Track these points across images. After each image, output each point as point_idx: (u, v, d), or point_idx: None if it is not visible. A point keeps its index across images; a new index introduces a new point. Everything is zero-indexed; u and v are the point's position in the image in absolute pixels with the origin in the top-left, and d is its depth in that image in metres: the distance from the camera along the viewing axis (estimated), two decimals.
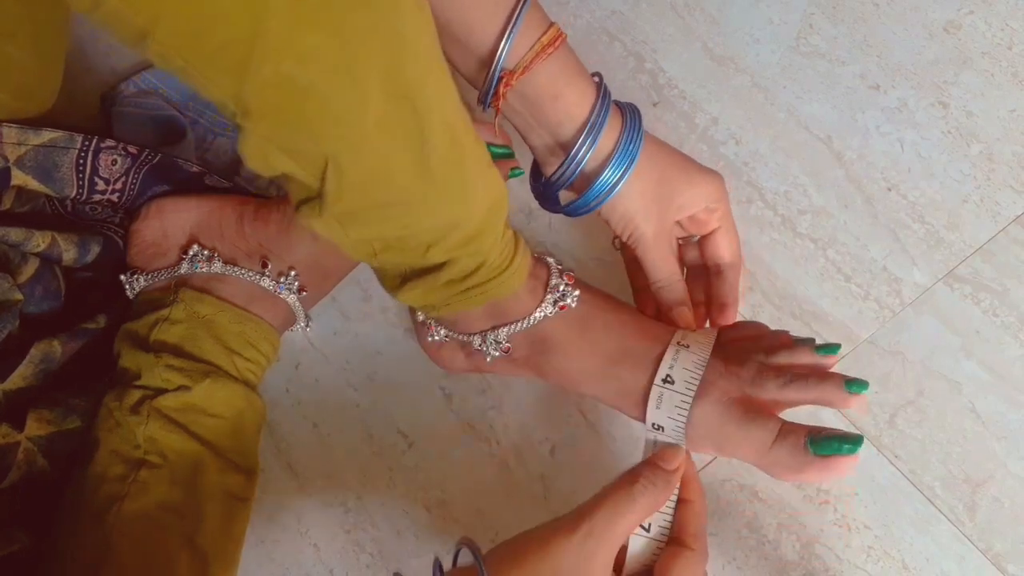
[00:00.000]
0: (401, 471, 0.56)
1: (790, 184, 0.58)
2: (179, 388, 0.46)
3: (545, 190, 0.50)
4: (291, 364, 0.59)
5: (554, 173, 0.48)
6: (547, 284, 0.48)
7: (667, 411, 0.44)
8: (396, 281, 0.45)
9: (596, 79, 0.47)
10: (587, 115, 0.45)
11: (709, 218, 0.50)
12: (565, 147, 0.47)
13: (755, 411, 0.43)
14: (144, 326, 0.49)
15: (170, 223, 0.52)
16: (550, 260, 0.49)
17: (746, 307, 0.56)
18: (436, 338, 0.51)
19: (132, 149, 0.50)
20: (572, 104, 0.45)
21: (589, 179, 0.47)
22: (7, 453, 0.43)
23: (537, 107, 0.45)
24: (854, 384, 0.43)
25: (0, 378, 0.44)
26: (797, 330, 0.54)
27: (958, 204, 0.56)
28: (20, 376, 0.45)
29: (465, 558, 0.42)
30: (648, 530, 0.41)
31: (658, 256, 0.49)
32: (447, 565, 0.42)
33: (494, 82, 0.44)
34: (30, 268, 0.47)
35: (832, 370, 0.45)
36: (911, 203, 0.56)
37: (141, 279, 0.51)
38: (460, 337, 0.50)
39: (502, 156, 0.56)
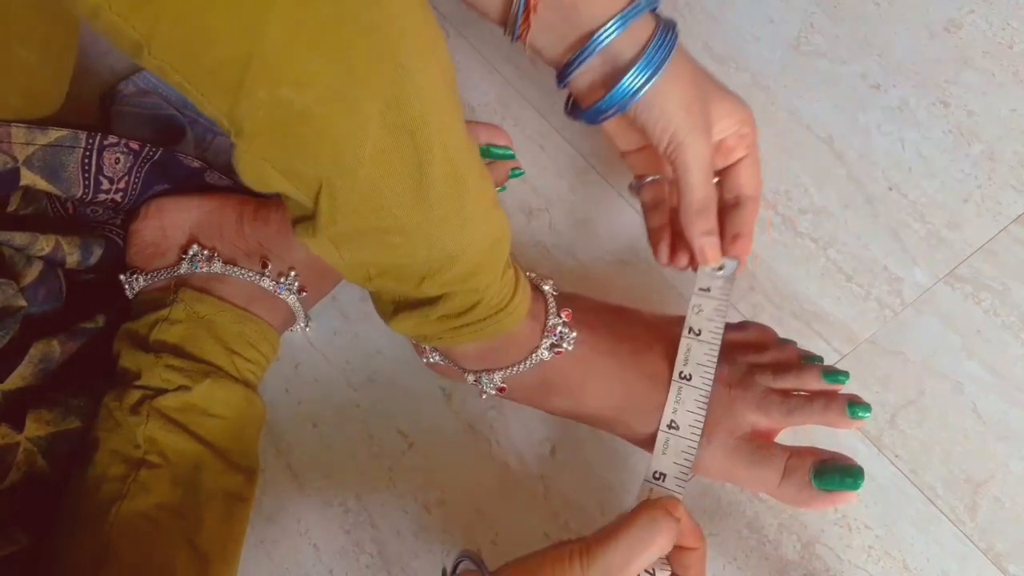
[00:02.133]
0: (401, 471, 0.55)
1: (791, 183, 0.58)
2: (179, 388, 0.46)
3: (561, 77, 0.47)
4: (291, 364, 0.59)
5: (576, 55, 0.45)
6: (544, 325, 0.46)
7: (673, 456, 0.45)
8: (389, 308, 0.44)
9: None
10: (621, 7, 0.43)
11: (738, 144, 0.48)
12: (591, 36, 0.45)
13: (760, 448, 0.44)
14: (144, 326, 0.49)
15: (170, 223, 0.52)
16: (547, 288, 0.48)
17: (747, 307, 0.56)
18: (432, 360, 0.50)
19: (134, 145, 0.50)
20: (603, 1, 0.43)
21: (623, 70, 0.44)
22: (6, 453, 0.43)
23: (569, 6, 0.43)
24: (858, 409, 0.44)
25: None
26: (798, 330, 0.54)
27: (959, 203, 0.56)
28: (19, 376, 0.45)
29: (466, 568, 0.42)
30: (653, 574, 0.41)
31: (701, 169, 0.46)
32: (449, 571, 0.42)
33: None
34: (34, 271, 0.47)
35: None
36: (912, 202, 0.56)
37: (141, 279, 0.51)
38: (456, 368, 0.49)
39: (502, 157, 0.56)
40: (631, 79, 0.44)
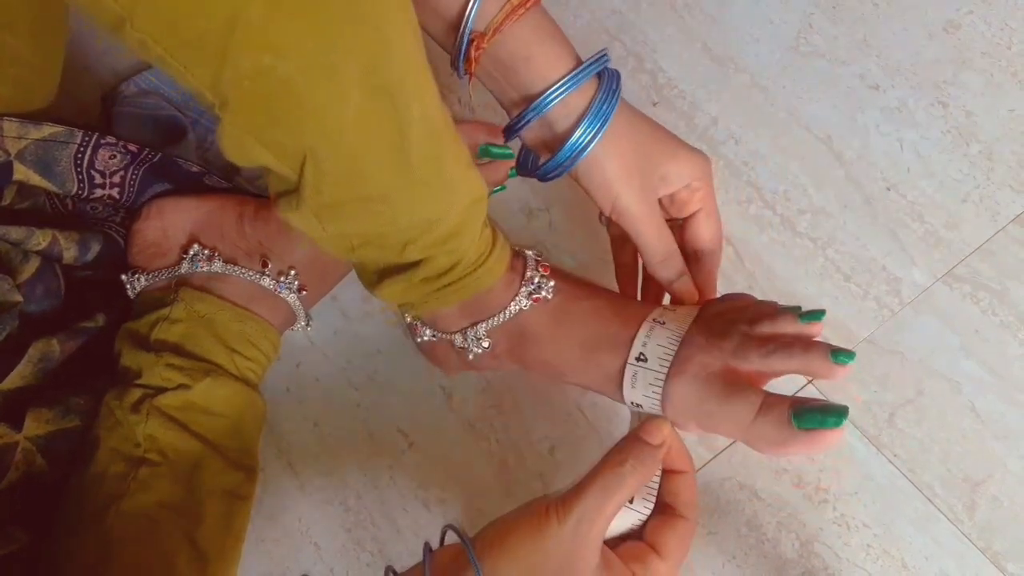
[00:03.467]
0: (401, 470, 0.56)
1: (789, 184, 0.58)
2: (179, 387, 0.47)
3: (507, 137, 0.48)
4: (291, 363, 0.59)
5: (517, 117, 0.46)
6: (523, 276, 0.47)
7: (642, 389, 0.43)
8: (373, 278, 0.45)
9: (604, 53, 0.46)
10: (560, 76, 0.44)
11: (691, 198, 0.48)
12: (532, 101, 0.45)
13: (736, 384, 0.41)
14: (145, 325, 0.49)
15: (170, 223, 0.52)
16: (529, 253, 0.49)
17: None
18: (424, 338, 0.51)
19: (132, 147, 0.51)
20: (544, 66, 0.44)
21: (562, 139, 0.45)
22: (5, 453, 0.43)
23: (509, 69, 0.44)
24: (840, 354, 0.41)
25: None
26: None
27: (957, 203, 0.56)
28: (19, 375, 0.45)
29: (451, 541, 0.42)
30: (631, 502, 0.41)
31: (649, 230, 0.47)
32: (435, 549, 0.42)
33: (464, 45, 0.43)
34: (31, 267, 0.47)
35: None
36: (910, 203, 0.56)
37: (142, 279, 0.51)
38: (443, 336, 0.50)
39: (501, 156, 0.56)
40: (567, 148, 0.45)
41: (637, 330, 0.45)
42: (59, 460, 0.46)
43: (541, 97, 0.44)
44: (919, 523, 0.50)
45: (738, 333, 0.43)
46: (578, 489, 0.39)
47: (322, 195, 0.36)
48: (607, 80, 0.45)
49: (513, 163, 0.56)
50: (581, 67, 0.44)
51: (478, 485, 0.55)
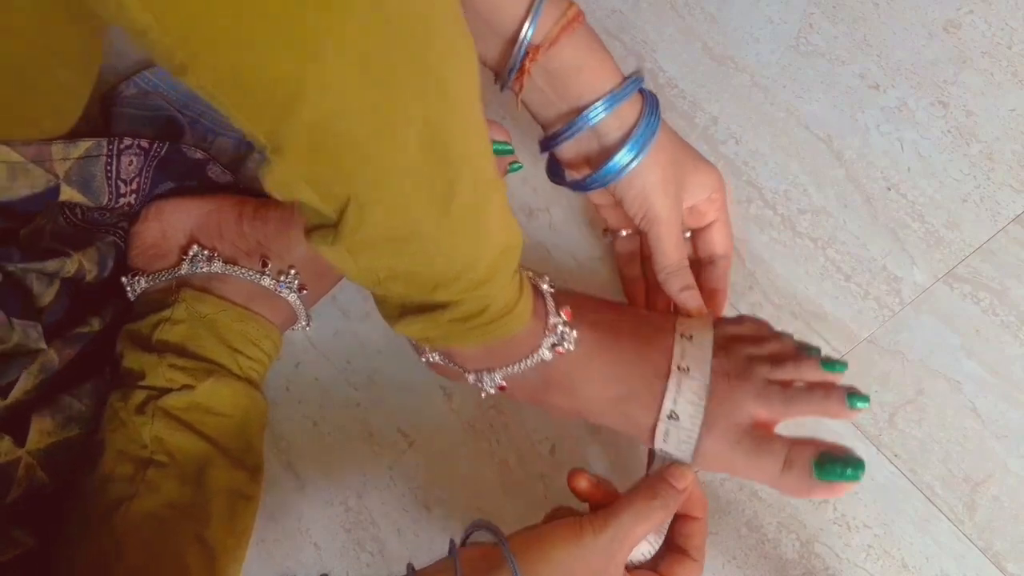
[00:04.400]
0: (401, 470, 0.56)
1: (790, 183, 0.58)
2: (183, 388, 0.47)
3: (549, 145, 0.50)
4: (291, 363, 0.59)
5: (564, 127, 0.47)
6: (545, 323, 0.47)
7: (674, 445, 0.45)
8: (395, 311, 0.44)
9: (636, 72, 0.48)
10: (610, 88, 0.46)
11: (709, 208, 0.51)
12: (581, 112, 0.47)
13: (763, 440, 0.44)
14: (146, 327, 0.49)
15: (169, 224, 0.52)
16: (545, 287, 0.48)
17: (746, 306, 0.56)
18: (433, 359, 0.50)
19: (144, 143, 0.51)
20: (596, 77, 0.46)
21: (609, 152, 0.47)
22: (9, 470, 0.43)
23: (561, 80, 0.46)
24: (856, 399, 0.44)
25: (2, 396, 0.44)
26: (797, 330, 0.55)
27: (958, 203, 0.56)
28: (21, 390, 0.45)
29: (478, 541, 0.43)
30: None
31: (672, 239, 0.49)
32: (458, 547, 0.43)
33: (520, 57, 0.45)
34: (53, 291, 0.46)
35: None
36: (911, 202, 0.56)
37: (142, 281, 0.51)
38: (455, 368, 0.49)
39: (501, 152, 0.56)
40: (616, 161, 0.47)
41: (665, 383, 0.46)
42: (59, 471, 0.46)
43: (591, 107, 0.46)
44: (920, 523, 0.50)
45: (760, 378, 0.45)
46: (612, 510, 0.42)
47: (359, 234, 0.36)
48: (649, 98, 0.48)
49: (514, 158, 0.56)
50: (628, 81, 0.46)
51: (479, 485, 0.55)
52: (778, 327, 0.51)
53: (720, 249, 0.52)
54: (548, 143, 0.49)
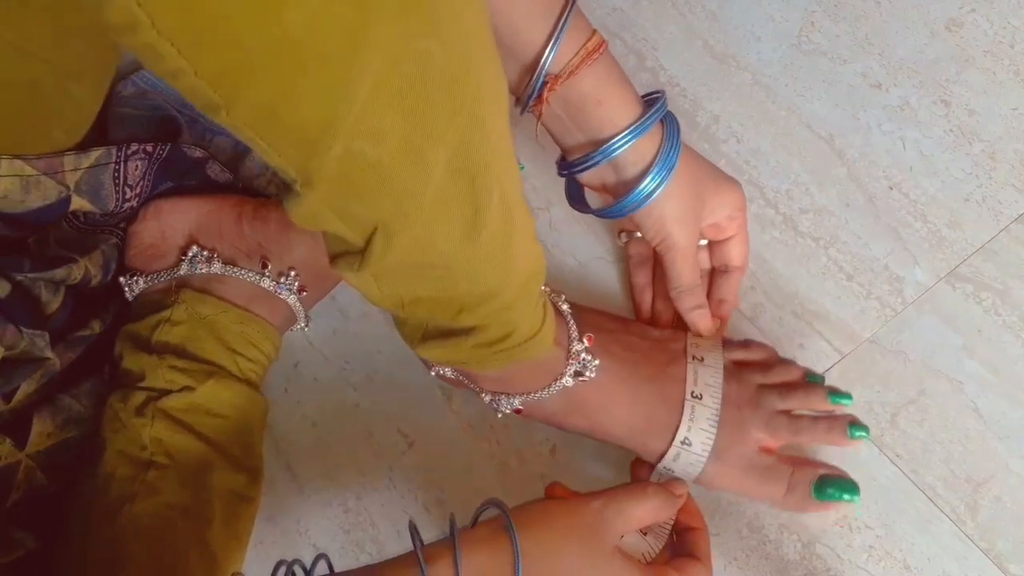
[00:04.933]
0: (401, 471, 0.55)
1: (791, 183, 0.58)
2: (183, 389, 0.47)
3: (565, 171, 0.50)
4: (290, 364, 0.58)
5: (582, 158, 0.47)
6: (568, 351, 0.47)
7: (682, 467, 0.48)
8: (417, 335, 0.44)
9: (658, 95, 0.48)
10: (629, 123, 0.45)
11: (728, 225, 0.51)
12: (599, 145, 0.46)
13: (768, 467, 0.48)
14: (146, 328, 0.49)
15: (168, 225, 0.52)
16: (564, 308, 0.49)
17: (747, 306, 0.56)
18: (445, 373, 0.50)
19: (148, 147, 0.50)
20: (615, 110, 0.45)
21: (628, 185, 0.47)
22: (9, 474, 0.43)
23: (580, 111, 0.45)
24: (857, 429, 0.48)
25: (5, 400, 0.44)
26: (799, 329, 0.54)
27: (960, 203, 0.56)
28: (24, 394, 0.45)
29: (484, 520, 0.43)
30: (645, 535, 0.45)
31: (688, 263, 0.50)
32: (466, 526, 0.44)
33: (538, 86, 0.44)
34: (59, 298, 0.46)
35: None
36: (913, 202, 0.56)
37: (140, 281, 0.51)
38: (470, 385, 0.49)
39: None
40: (636, 194, 0.46)
41: (680, 411, 0.48)
42: (59, 472, 0.46)
43: (610, 142, 0.46)
44: (921, 524, 0.50)
45: (768, 408, 0.48)
46: (611, 490, 0.43)
47: (386, 261, 0.36)
48: (669, 126, 0.47)
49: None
50: (649, 114, 0.46)
51: (479, 486, 0.55)
52: (780, 327, 0.51)
53: (736, 261, 0.53)
54: (567, 169, 0.49)
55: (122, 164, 0.49)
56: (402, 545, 0.54)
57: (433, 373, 0.51)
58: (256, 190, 0.57)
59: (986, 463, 0.51)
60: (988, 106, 0.57)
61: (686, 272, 0.50)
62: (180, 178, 0.53)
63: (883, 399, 0.53)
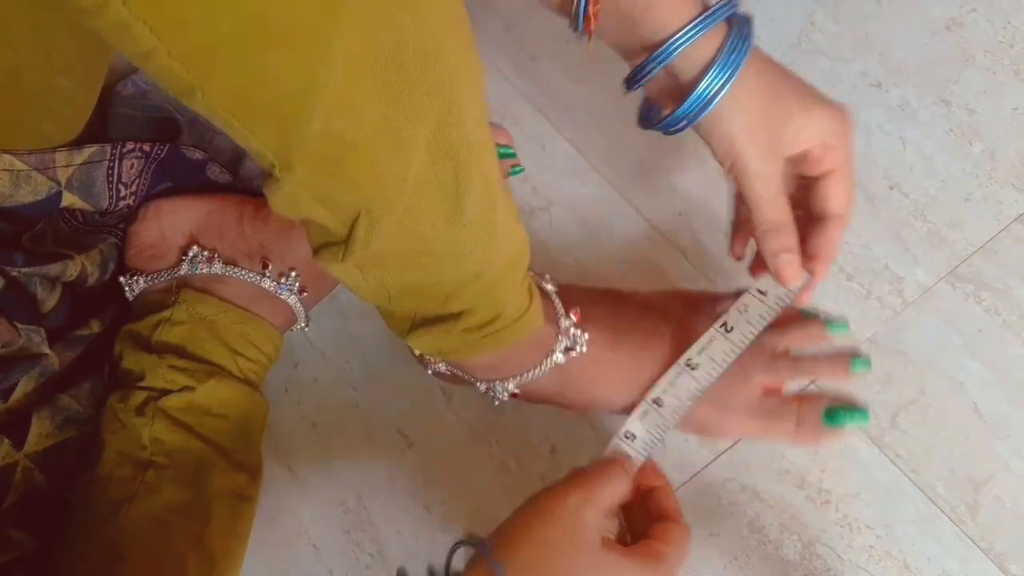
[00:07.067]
0: (401, 471, 0.55)
1: None
2: (183, 389, 0.47)
3: (628, 88, 0.45)
4: (290, 364, 0.58)
5: (637, 67, 0.43)
6: (557, 327, 0.47)
7: (647, 426, 0.46)
8: (405, 325, 0.44)
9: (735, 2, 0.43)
10: (682, 24, 0.41)
11: (823, 156, 0.44)
12: (653, 51, 0.42)
13: (774, 407, 0.46)
14: (146, 327, 0.49)
15: (168, 224, 0.52)
16: (548, 287, 0.48)
17: None
18: (440, 369, 0.50)
19: (145, 147, 0.50)
20: (665, 14, 0.41)
21: (687, 90, 0.42)
22: (7, 474, 0.43)
23: (629, 19, 0.42)
24: (859, 362, 0.46)
25: (3, 399, 0.44)
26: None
27: (960, 203, 0.56)
28: (22, 393, 0.45)
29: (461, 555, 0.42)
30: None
31: (764, 194, 0.44)
32: (443, 565, 0.43)
33: (583, 3, 0.41)
34: (56, 295, 0.46)
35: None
36: (913, 202, 0.56)
37: (141, 281, 0.51)
38: (465, 376, 0.49)
39: (503, 155, 0.56)
40: (693, 100, 0.42)
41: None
42: (57, 473, 0.46)
43: (663, 47, 0.41)
44: (921, 524, 0.50)
45: (768, 349, 0.47)
46: (571, 481, 0.42)
47: (370, 248, 0.36)
48: (736, 27, 0.42)
49: (516, 162, 0.56)
50: (706, 14, 0.41)
51: (478, 486, 0.55)
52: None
53: (833, 206, 0.45)
54: (628, 84, 0.45)
55: (117, 162, 0.48)
56: (402, 545, 0.54)
57: (430, 371, 0.51)
58: (256, 191, 0.57)
59: (986, 463, 0.51)
60: (988, 106, 0.57)
61: (764, 206, 0.44)
62: (179, 179, 0.53)
63: (883, 399, 0.53)
